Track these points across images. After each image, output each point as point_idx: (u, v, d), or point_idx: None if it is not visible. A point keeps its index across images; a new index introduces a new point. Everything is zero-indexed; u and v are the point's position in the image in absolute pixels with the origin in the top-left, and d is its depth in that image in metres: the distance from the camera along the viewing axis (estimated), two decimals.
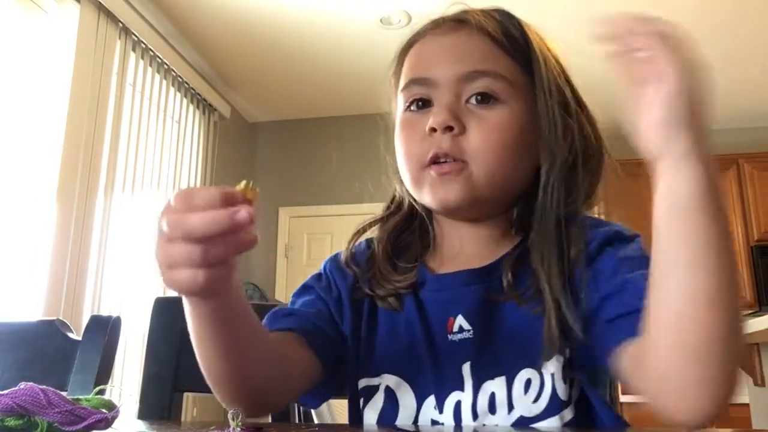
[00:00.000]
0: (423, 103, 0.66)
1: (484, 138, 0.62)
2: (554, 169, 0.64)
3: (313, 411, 1.02)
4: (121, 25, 2.89)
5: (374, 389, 0.66)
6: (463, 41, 0.65)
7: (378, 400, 0.65)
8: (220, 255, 0.43)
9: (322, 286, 0.72)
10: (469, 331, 0.64)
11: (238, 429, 0.48)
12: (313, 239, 4.19)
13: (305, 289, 0.73)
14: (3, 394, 0.44)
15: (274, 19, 3.19)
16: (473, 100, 0.63)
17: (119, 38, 2.90)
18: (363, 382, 0.67)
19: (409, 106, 0.67)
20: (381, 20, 3.20)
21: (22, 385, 0.45)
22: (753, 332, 1.94)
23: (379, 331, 0.68)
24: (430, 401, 0.63)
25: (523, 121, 0.64)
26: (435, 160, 0.63)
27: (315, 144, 4.37)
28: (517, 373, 0.61)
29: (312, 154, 4.36)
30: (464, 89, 0.64)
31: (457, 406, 0.62)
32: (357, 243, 0.74)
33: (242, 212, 0.42)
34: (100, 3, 2.72)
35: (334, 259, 0.74)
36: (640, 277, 0.53)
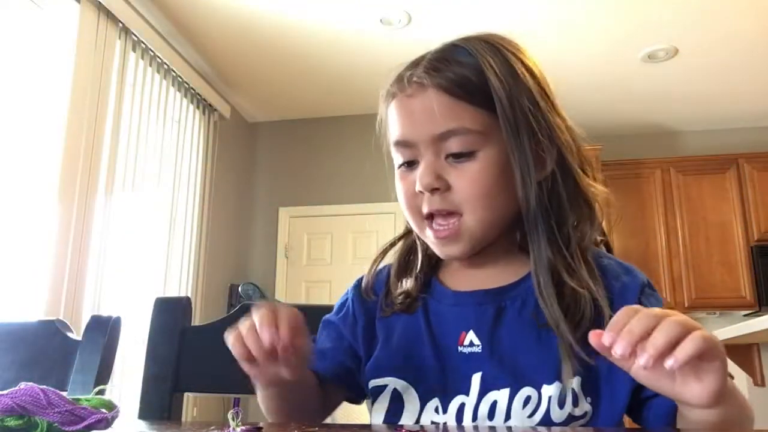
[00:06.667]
0: (410, 163, 0.70)
1: (466, 190, 0.66)
2: (531, 199, 0.66)
3: None
4: (121, 25, 2.89)
5: (381, 389, 0.71)
6: (429, 103, 0.67)
7: (384, 400, 0.71)
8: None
9: (342, 317, 0.78)
10: (478, 346, 0.68)
11: (238, 429, 0.48)
12: (313, 239, 4.14)
13: (328, 324, 0.80)
14: (3, 395, 0.44)
15: (274, 19, 3.19)
16: (450, 158, 0.67)
17: (119, 38, 2.91)
18: (372, 383, 0.72)
19: (400, 165, 0.72)
20: (381, 20, 3.20)
21: (22, 385, 0.45)
22: (753, 332, 1.94)
23: (391, 337, 0.73)
24: (434, 403, 0.68)
25: (500, 162, 0.67)
26: (432, 215, 0.68)
27: (315, 144, 4.37)
28: (520, 389, 0.64)
29: (312, 154, 4.36)
30: (441, 147, 0.67)
31: (461, 408, 0.66)
32: (378, 269, 0.79)
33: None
34: (99, 3, 2.72)
35: (357, 286, 0.79)
36: None
